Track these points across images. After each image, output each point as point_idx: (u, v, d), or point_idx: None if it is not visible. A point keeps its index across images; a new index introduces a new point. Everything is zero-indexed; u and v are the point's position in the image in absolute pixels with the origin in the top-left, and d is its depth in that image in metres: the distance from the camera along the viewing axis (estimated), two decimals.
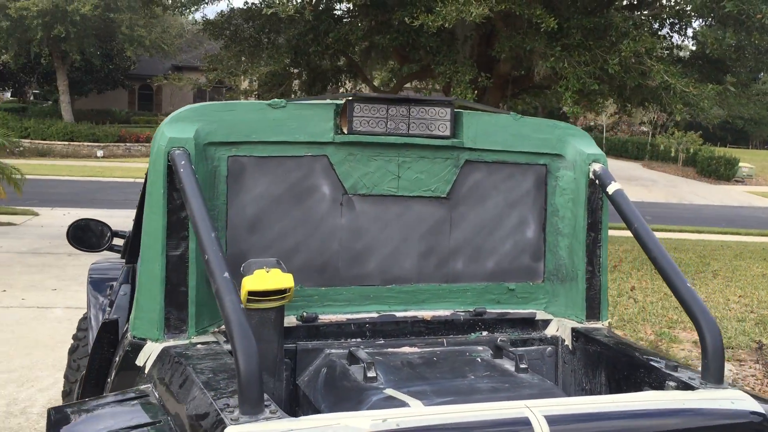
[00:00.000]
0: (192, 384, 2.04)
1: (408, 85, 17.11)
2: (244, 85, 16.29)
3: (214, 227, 2.08)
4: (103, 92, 39.16)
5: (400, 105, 2.68)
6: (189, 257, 2.40)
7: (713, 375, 2.17)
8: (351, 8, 12.45)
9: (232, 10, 14.21)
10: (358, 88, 16.00)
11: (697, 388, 2.15)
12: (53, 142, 31.15)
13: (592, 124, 51.15)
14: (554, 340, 2.93)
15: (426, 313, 2.81)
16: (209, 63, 13.91)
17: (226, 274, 1.93)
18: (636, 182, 30.95)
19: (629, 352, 2.57)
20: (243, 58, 12.86)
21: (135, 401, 2.21)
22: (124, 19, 31.40)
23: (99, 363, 2.91)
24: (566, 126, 2.93)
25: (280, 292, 2.30)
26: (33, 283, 9.18)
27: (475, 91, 11.09)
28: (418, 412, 1.79)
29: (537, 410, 1.80)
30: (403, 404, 2.15)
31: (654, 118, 41.01)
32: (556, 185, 2.93)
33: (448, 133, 2.75)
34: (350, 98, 2.63)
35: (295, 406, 2.59)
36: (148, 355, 2.39)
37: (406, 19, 9.64)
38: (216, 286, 1.91)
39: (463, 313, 2.86)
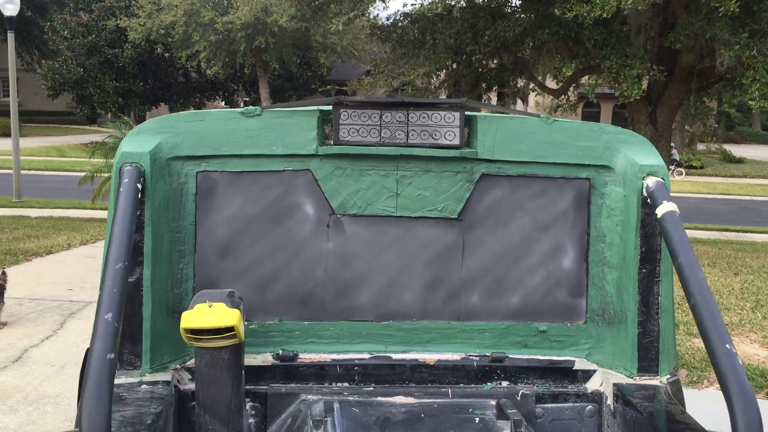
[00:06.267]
0: None
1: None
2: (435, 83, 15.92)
3: (126, 258, 1.84)
4: (302, 98, 41.36)
5: (396, 110, 2.28)
6: (144, 285, 2.19)
7: None
8: (512, 3, 11.85)
9: (398, 13, 14.16)
10: (528, 88, 15.29)
11: None
12: None
13: None
14: (597, 397, 2.36)
15: (430, 356, 2.38)
16: (374, 67, 14.00)
17: (109, 315, 1.68)
18: None
19: (664, 420, 1.98)
20: (404, 61, 12.73)
21: None
22: (318, 28, 32.89)
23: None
24: (617, 131, 2.36)
25: (223, 331, 2.02)
26: None
27: (643, 88, 10.02)
28: None
29: None
30: None
31: None
32: (603, 204, 2.37)
33: (457, 141, 2.31)
34: (336, 103, 2.28)
35: None
36: None
37: (556, 10, 8.93)
38: (95, 326, 1.67)
39: (477, 358, 2.39)
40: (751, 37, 9.54)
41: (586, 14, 8.57)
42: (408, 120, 2.30)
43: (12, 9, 17.39)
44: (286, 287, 2.35)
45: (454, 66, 12.85)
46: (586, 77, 15.03)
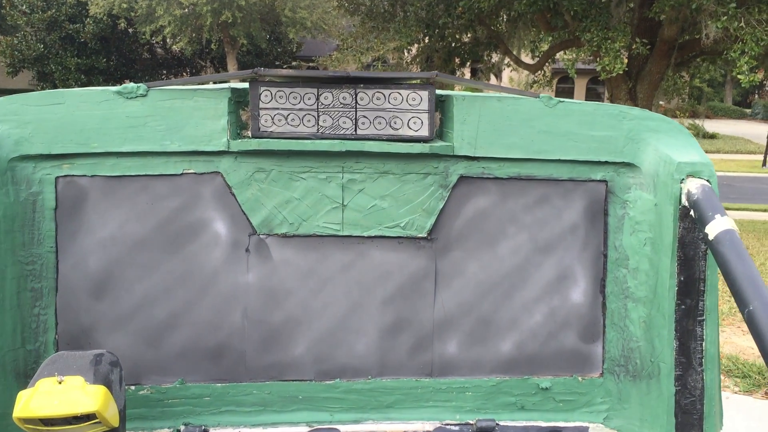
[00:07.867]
0: None
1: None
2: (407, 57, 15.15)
3: None
4: None
5: (340, 88, 1.63)
6: None
7: None
8: None
9: None
10: (504, 63, 14.69)
11: None
12: None
13: None
14: None
15: (392, 427, 1.76)
16: (342, 42, 13.43)
17: None
18: None
19: None
20: (373, 35, 12.10)
21: None
22: (287, 2, 32.29)
23: None
24: (644, 115, 1.73)
25: (83, 417, 1.37)
26: None
27: (626, 61, 9.49)
28: None
29: None
30: None
31: None
32: (625, 216, 1.75)
33: (425, 132, 1.67)
34: (254, 78, 1.62)
35: None
36: None
37: None
38: None
39: (456, 428, 1.78)
40: (738, 7, 9.09)
41: None
42: (356, 102, 1.65)
43: None
44: (189, 337, 1.71)
45: (426, 40, 12.22)
46: (562, 52, 14.52)
